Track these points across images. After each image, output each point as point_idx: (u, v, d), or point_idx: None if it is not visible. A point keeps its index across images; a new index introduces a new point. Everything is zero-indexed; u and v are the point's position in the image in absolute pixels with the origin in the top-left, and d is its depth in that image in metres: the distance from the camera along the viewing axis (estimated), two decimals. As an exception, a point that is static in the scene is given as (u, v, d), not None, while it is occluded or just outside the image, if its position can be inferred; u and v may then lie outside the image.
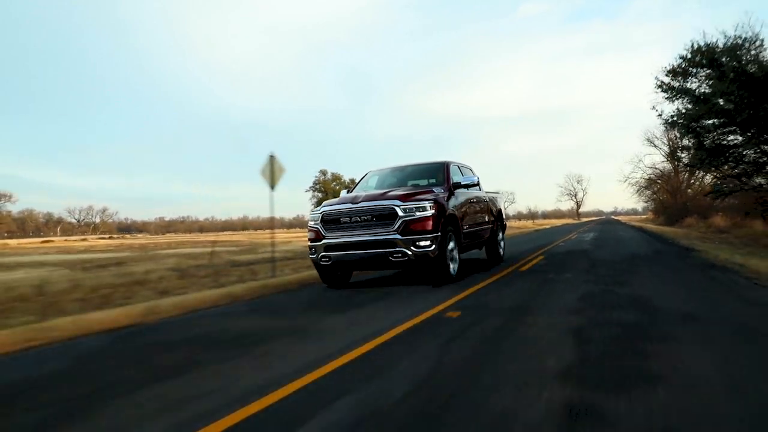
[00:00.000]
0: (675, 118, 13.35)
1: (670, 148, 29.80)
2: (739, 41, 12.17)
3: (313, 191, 72.98)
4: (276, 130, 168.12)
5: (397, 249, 5.40)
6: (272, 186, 8.67)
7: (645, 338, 2.97)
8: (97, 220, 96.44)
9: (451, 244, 5.97)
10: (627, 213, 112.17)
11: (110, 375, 2.79)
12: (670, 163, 33.39)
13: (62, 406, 2.27)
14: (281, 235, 43.70)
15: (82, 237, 68.44)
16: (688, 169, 23.34)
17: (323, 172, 74.64)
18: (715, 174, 17.16)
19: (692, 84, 13.16)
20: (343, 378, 2.44)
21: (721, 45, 12.29)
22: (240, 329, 3.94)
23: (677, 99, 13.19)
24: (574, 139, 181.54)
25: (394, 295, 5.28)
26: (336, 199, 6.34)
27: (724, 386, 2.14)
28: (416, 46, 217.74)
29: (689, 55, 12.79)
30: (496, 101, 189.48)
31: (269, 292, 6.20)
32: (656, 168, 39.74)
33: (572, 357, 2.63)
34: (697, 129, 12.99)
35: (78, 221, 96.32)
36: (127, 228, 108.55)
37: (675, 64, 13.14)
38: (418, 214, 5.46)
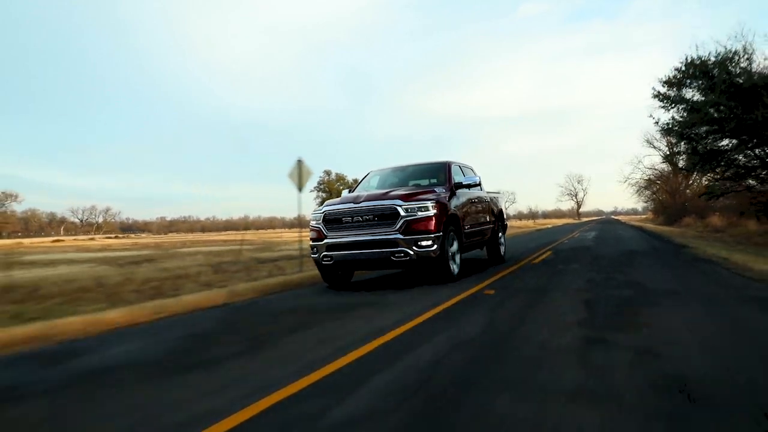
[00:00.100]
0: (670, 126, 14.46)
1: (669, 150, 30.82)
2: (730, 54, 13.28)
3: (318, 191, 74.04)
4: (276, 130, 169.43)
5: (399, 249, 5.45)
6: (300, 188, 9.69)
7: (636, 305, 4.08)
8: (100, 219, 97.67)
9: (453, 244, 6.09)
10: (627, 213, 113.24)
11: (259, 329, 3.89)
12: (669, 165, 34.38)
13: (246, 343, 3.37)
14: (288, 235, 44.71)
15: (90, 237, 69.51)
16: (683, 172, 24.42)
17: (327, 173, 75.76)
18: (708, 177, 18.26)
19: (687, 94, 14.27)
20: (432, 326, 3.55)
21: (713, 58, 13.40)
22: (325, 303, 5.03)
23: (672, 108, 14.30)
24: (574, 139, 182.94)
25: (424, 283, 6.37)
26: (338, 199, 6.39)
27: (686, 329, 3.24)
28: (416, 46, 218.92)
29: (683, 68, 13.90)
30: (496, 101, 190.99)
31: (309, 282, 6.97)
32: (655, 169, 40.83)
33: (584, 315, 3.74)
34: (691, 135, 14.08)
35: (81, 221, 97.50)
36: (128, 228, 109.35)
37: (670, 75, 14.26)
38: (419, 214, 5.52)
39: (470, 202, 7.16)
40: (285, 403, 2.13)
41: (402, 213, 5.51)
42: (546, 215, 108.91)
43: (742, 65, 13.22)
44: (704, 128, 13.60)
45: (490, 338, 3.16)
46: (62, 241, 51.46)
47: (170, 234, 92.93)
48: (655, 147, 37.91)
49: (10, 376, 2.93)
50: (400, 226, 5.49)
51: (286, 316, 4.44)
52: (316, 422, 1.92)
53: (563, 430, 1.74)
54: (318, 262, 6.09)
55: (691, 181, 36.14)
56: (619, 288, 5.05)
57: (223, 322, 4.33)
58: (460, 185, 6.79)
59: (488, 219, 8.05)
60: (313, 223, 6.15)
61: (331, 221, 5.93)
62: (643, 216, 72.61)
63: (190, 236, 66.01)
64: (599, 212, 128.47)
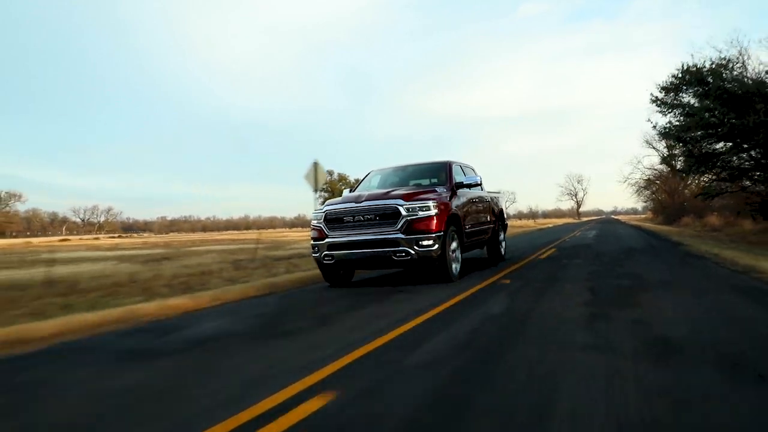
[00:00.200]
0: (667, 130, 15.21)
1: (668, 152, 31.54)
2: (724, 62, 14.04)
3: (320, 191, 74.77)
4: (276, 130, 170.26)
5: (400, 248, 5.50)
6: (315, 189, 10.37)
7: (633, 291, 4.83)
8: (102, 219, 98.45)
9: (454, 244, 6.12)
10: (627, 212, 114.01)
11: (316, 310, 4.64)
12: (667, 166, 35.08)
13: (313, 320, 4.11)
14: (294, 234, 45.46)
15: (94, 236, 70.18)
16: (680, 174, 25.15)
17: (330, 173, 76.40)
18: (702, 179, 19.02)
19: (683, 99, 15.02)
20: (463, 307, 4.30)
21: (707, 65, 14.15)
22: (356, 293, 5.75)
23: (669, 113, 15.06)
24: (574, 139, 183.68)
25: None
26: (339, 198, 6.43)
27: (672, 308, 3.99)
28: (416, 46, 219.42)
29: (680, 75, 14.65)
30: (496, 101, 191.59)
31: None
32: (655, 169, 41.57)
33: (589, 297, 4.50)
34: (687, 139, 14.82)
35: (83, 221, 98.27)
36: (129, 227, 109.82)
37: (667, 81, 15.01)
38: (421, 213, 5.56)
39: (471, 201, 7.23)
40: (371, 354, 2.87)
41: (403, 212, 5.54)
42: (546, 215, 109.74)
43: (735, 72, 13.98)
44: (699, 132, 14.35)
45: (514, 314, 3.91)
46: (69, 240, 52.11)
47: (171, 234, 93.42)
48: (654, 148, 38.67)
49: (138, 342, 3.67)
50: (402, 226, 5.53)
51: (330, 301, 5.18)
52: (400, 362, 2.67)
53: (578, 367, 2.48)
54: (319, 262, 6.13)
55: (689, 182, 36.86)
56: (619, 278, 5.80)
57: (280, 307, 5.07)
58: (461, 185, 6.87)
59: (489, 219, 8.13)
60: (314, 222, 6.17)
61: (333, 221, 5.96)
62: (643, 216, 73.33)
63: (194, 236, 66.67)
64: (599, 212, 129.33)
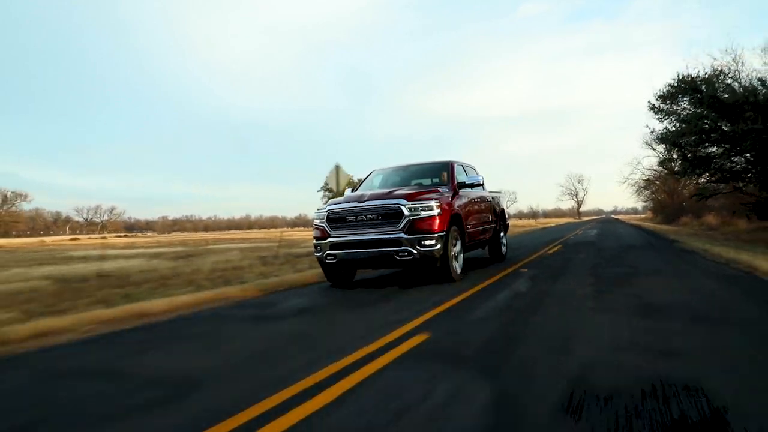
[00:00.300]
0: (664, 135, 16.34)
1: (667, 154, 32.57)
2: (717, 72, 15.16)
3: (325, 191, 75.81)
4: (276, 130, 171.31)
5: (403, 248, 5.53)
6: (337, 191, 11.35)
7: (630, 277, 5.95)
8: (105, 218, 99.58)
9: (456, 244, 6.22)
10: (627, 212, 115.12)
11: (372, 293, 5.74)
12: (665, 168, 36.11)
13: (378, 296, 5.21)
14: (300, 234, 46.51)
15: (102, 235, 71.35)
16: (676, 177, 26.27)
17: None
18: (701, 179, 20.12)
19: (678, 107, 16.15)
20: (494, 288, 5.43)
21: (702, 74, 15.27)
22: (391, 280, 6.86)
23: (666, 119, 16.20)
24: (574, 139, 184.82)
25: (477, 262, 8.21)
26: (341, 198, 6.48)
27: (660, 287, 5.12)
28: (416, 46, 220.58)
29: (676, 84, 15.78)
30: (496, 101, 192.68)
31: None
32: (654, 170, 42.58)
33: (595, 280, 5.65)
34: (682, 144, 15.95)
35: (86, 220, 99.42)
36: (131, 227, 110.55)
37: (664, 90, 16.14)
38: (423, 213, 5.60)
39: (473, 201, 7.29)
40: (440, 314, 3.99)
41: (406, 212, 5.58)
42: (546, 214, 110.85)
43: (727, 82, 15.10)
44: (693, 138, 15.47)
45: (536, 291, 5.04)
46: (78, 239, 53.13)
47: (174, 233, 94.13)
48: (653, 149, 39.46)
49: (252, 312, 4.78)
50: (404, 226, 5.57)
51: (373, 288, 6.27)
52: (464, 318, 3.81)
53: (588, 319, 3.59)
54: (321, 261, 6.17)
55: (687, 183, 37.89)
56: (619, 267, 6.94)
57: (333, 291, 6.17)
58: (463, 185, 6.96)
59: (490, 218, 8.21)
60: (316, 222, 6.19)
61: (335, 220, 6.00)
62: (643, 215, 74.45)
63: (199, 235, 67.52)
64: (599, 211, 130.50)
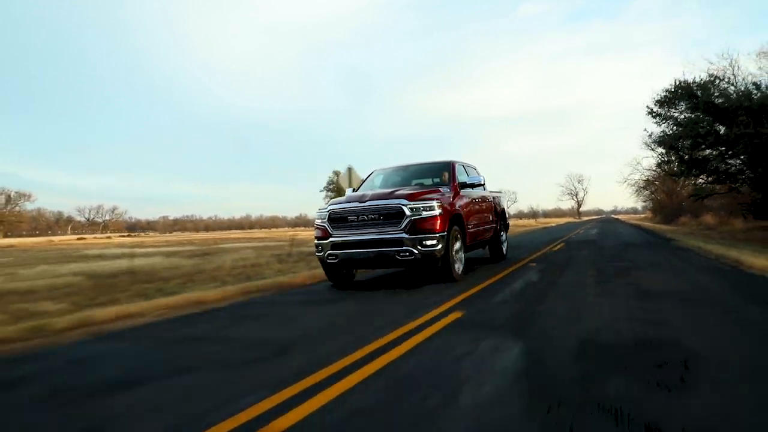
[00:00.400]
0: (662, 138, 17.08)
1: (666, 156, 33.29)
2: (712, 78, 15.91)
3: (327, 191, 76.66)
4: (276, 130, 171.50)
5: (404, 248, 5.55)
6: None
7: (629, 269, 6.69)
8: (107, 218, 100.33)
9: (457, 244, 6.29)
10: (627, 212, 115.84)
11: (398, 283, 6.47)
12: (663, 169, 36.83)
13: (405, 287, 5.94)
14: (305, 233, 47.15)
15: (106, 235, 72.01)
16: (674, 178, 27.04)
17: (336, 173, 78.22)
18: (699, 180, 20.88)
19: (675, 111, 16.88)
20: (509, 279, 6.16)
21: (698, 80, 16.01)
22: (409, 275, 7.58)
23: (663, 123, 16.93)
24: (574, 139, 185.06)
25: (479, 262, 8.94)
26: (343, 198, 6.55)
27: (655, 278, 5.85)
28: (416, 46, 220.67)
29: (673, 89, 16.52)
30: (496, 101, 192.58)
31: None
32: (653, 170, 43.28)
33: (597, 272, 6.39)
34: (678, 146, 16.68)
35: (88, 220, 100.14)
36: (132, 227, 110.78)
37: (662, 95, 16.88)
38: (425, 213, 5.63)
39: (474, 201, 7.36)
40: (468, 299, 4.73)
41: (407, 212, 5.60)
42: (546, 214, 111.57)
43: (722, 86, 15.85)
44: (689, 141, 16.20)
45: (546, 281, 5.78)
46: (84, 239, 53.77)
47: (176, 233, 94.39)
48: (652, 149, 40.16)
49: (300, 298, 5.50)
50: (405, 226, 5.59)
51: (395, 282, 7.01)
52: (489, 301, 4.55)
53: (592, 301, 4.33)
54: (323, 261, 6.20)
55: (685, 183, 38.59)
56: (618, 262, 7.69)
57: (362, 283, 6.91)
58: (464, 185, 7.03)
59: (491, 218, 8.31)
60: (318, 221, 6.21)
61: (336, 220, 6.02)
62: (642, 215, 75.18)
63: (202, 235, 67.95)
64: (599, 211, 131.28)
